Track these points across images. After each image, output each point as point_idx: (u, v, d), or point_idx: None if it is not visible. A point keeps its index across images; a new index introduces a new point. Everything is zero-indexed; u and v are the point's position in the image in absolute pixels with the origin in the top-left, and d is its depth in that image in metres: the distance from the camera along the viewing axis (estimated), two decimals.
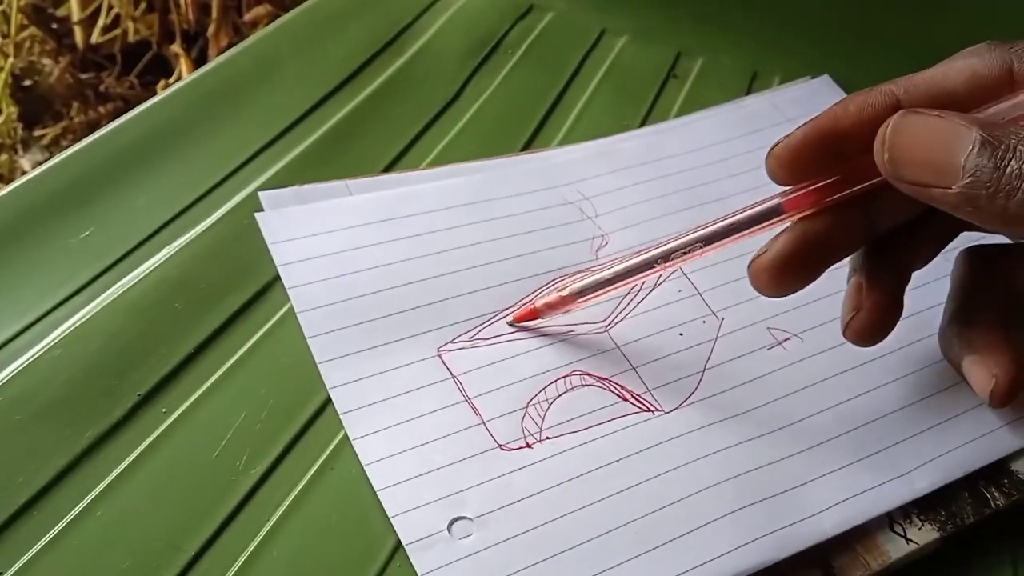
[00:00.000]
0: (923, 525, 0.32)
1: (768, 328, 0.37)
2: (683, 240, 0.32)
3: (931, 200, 0.26)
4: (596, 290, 0.34)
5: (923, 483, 0.32)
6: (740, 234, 0.31)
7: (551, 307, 0.35)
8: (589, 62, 0.50)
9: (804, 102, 0.47)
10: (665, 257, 0.32)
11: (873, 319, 0.31)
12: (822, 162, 0.29)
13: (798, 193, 0.30)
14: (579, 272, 0.37)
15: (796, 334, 0.37)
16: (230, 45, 0.64)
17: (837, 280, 0.38)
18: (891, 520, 0.32)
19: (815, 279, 0.31)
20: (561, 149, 0.44)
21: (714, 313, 0.37)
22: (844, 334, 0.32)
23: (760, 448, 0.33)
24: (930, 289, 0.36)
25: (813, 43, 0.52)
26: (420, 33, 0.50)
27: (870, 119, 0.28)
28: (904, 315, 0.36)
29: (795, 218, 0.30)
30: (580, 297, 0.34)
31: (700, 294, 0.38)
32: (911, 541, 0.31)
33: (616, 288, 0.34)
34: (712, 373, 0.35)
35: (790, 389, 0.35)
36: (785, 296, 0.31)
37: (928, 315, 0.37)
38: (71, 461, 0.30)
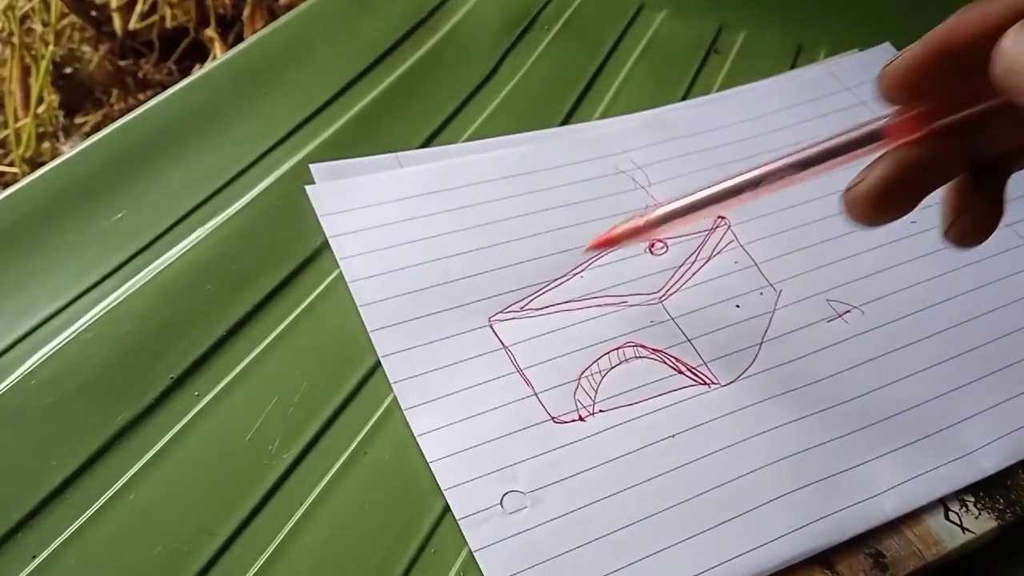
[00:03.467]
0: (980, 513, 0.30)
1: (828, 300, 0.36)
2: (776, 165, 0.28)
3: None
4: (679, 217, 0.30)
5: (989, 463, 0.31)
6: (836, 160, 0.27)
7: (628, 235, 0.32)
8: (627, 37, 0.48)
9: (863, 71, 0.46)
10: (756, 183, 0.29)
11: (978, 221, 0.29)
12: (936, 81, 0.26)
13: (903, 117, 0.27)
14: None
15: (857, 306, 0.35)
16: None
17: (900, 251, 0.38)
18: (946, 508, 0.30)
19: (911, 210, 0.28)
20: (610, 120, 0.43)
21: (772, 285, 0.36)
22: (947, 235, 0.29)
23: (818, 425, 0.32)
24: (997, 261, 0.37)
25: (859, 16, 0.51)
26: (454, 10, 0.49)
27: (994, 28, 0.25)
28: (969, 288, 0.36)
29: (895, 144, 0.27)
30: (661, 225, 0.31)
31: (757, 265, 0.37)
32: (967, 530, 0.30)
33: (701, 216, 0.30)
34: (769, 346, 0.34)
35: (850, 363, 0.34)
36: (880, 227, 0.28)
37: (996, 288, 0.36)
38: (103, 444, 0.30)
